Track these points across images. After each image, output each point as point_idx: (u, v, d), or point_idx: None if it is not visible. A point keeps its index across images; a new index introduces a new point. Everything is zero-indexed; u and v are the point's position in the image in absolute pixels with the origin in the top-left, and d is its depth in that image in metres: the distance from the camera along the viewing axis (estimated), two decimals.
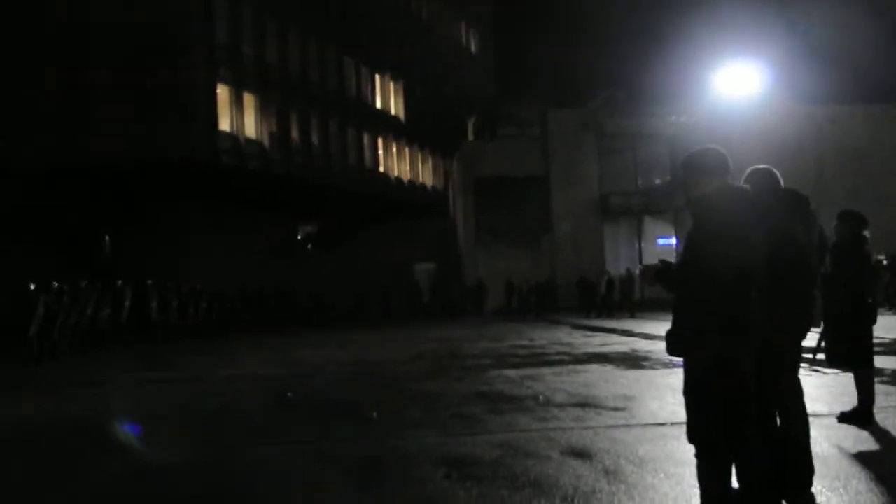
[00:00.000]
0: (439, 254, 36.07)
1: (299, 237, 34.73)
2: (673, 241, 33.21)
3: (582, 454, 5.35)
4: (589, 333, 18.54)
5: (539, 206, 33.07)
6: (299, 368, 12.85)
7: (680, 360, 3.65)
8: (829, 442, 5.34)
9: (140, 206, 26.03)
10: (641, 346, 14.19)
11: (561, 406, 7.44)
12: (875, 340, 6.20)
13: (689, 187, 3.68)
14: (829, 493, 4.23)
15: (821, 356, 7.34)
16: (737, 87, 27.36)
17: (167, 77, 25.69)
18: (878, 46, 30.15)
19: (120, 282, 20.65)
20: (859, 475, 4.59)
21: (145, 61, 25.40)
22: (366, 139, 37.38)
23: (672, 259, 4.31)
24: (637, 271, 24.62)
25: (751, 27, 31.04)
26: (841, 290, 5.75)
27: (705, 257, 3.44)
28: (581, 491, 4.44)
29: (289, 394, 8.63)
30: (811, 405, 4.50)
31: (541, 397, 8.04)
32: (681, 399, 3.67)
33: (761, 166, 4.39)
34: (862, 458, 5.00)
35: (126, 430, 6.98)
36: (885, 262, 21.32)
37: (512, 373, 10.57)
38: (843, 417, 6.02)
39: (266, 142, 30.00)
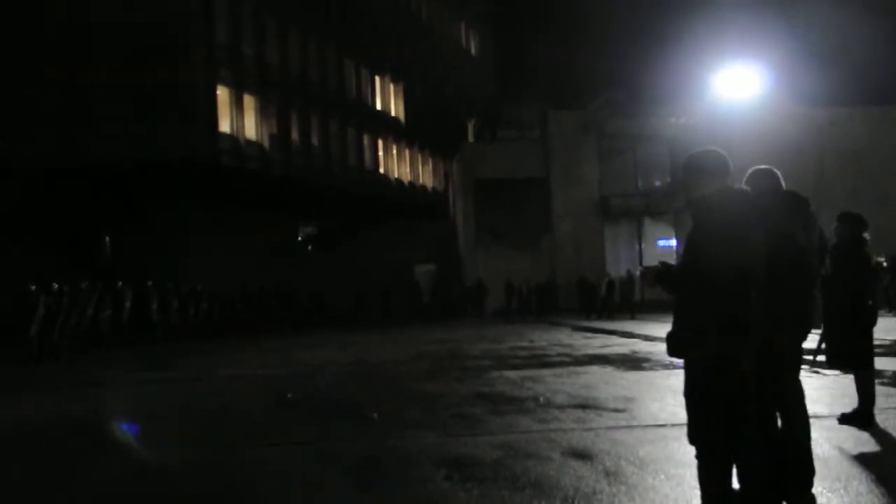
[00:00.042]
0: (439, 255, 36.05)
1: (299, 238, 34.67)
2: (673, 242, 33.19)
3: (583, 455, 5.35)
4: (589, 335, 18.53)
5: (539, 207, 33.07)
6: (299, 369, 12.85)
7: (680, 361, 3.65)
8: (829, 443, 5.35)
9: (140, 207, 26.00)
10: (642, 347, 14.18)
11: (561, 407, 7.44)
12: (875, 342, 6.20)
13: (689, 189, 3.68)
14: (829, 495, 4.23)
15: (821, 358, 7.34)
16: (737, 89, 27.42)
17: (167, 77, 25.69)
18: (877, 48, 30.19)
19: (120, 283, 20.68)
20: (860, 476, 4.60)
21: (145, 61, 25.40)
22: (366, 140, 37.40)
23: (672, 261, 4.31)
24: (637, 273, 24.60)
25: (751, 29, 31.05)
26: (841, 292, 5.76)
27: (705, 258, 3.44)
28: (582, 492, 4.44)
29: (289, 394, 8.65)
30: (811, 406, 4.50)
31: (541, 398, 8.04)
32: (681, 400, 3.66)
33: (763, 167, 4.39)
34: (862, 460, 5.01)
35: (126, 431, 6.98)
36: (885, 264, 21.33)
37: (512, 374, 10.56)
38: (844, 419, 6.02)
39: (266, 142, 30.01)
